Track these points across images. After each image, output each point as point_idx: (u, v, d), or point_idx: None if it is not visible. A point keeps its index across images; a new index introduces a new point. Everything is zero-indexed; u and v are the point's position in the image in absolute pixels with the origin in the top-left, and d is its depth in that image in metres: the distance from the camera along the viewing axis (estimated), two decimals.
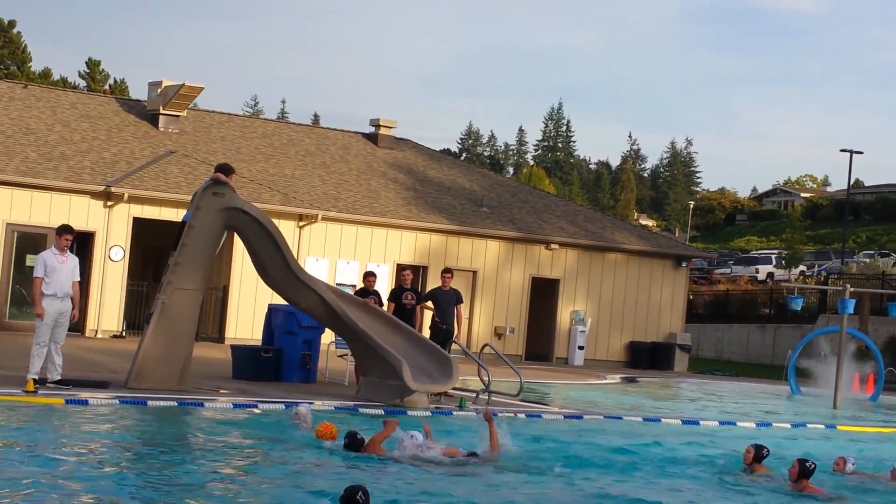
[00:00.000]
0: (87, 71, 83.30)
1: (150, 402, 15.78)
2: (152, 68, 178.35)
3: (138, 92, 74.31)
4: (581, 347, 37.67)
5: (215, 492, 10.23)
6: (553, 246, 37.74)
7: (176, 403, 16.14)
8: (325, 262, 33.47)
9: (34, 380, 16.28)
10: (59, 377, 16.90)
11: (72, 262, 17.02)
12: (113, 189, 30.84)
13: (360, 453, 12.37)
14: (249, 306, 31.56)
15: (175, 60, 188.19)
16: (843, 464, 14.22)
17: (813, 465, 12.50)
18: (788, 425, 20.94)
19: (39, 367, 16.70)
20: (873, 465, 15.37)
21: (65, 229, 17.17)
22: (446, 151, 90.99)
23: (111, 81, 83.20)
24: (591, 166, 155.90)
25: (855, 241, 77.19)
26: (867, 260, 60.79)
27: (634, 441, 16.03)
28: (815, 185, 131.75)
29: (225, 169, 18.92)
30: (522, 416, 18.54)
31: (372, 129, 41.80)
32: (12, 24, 78.49)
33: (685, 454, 15.24)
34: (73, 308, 17.00)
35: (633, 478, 12.85)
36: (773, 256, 68.58)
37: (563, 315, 37.94)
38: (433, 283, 31.16)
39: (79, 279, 17.20)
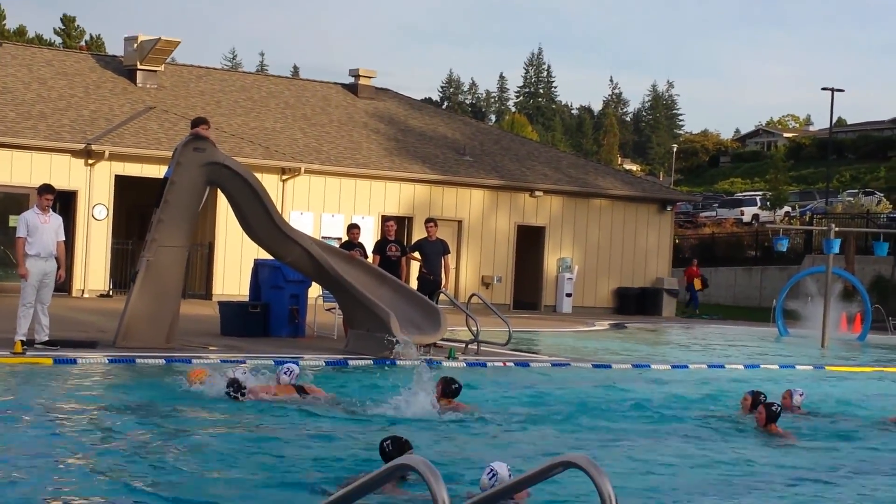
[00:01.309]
0: (63, 27, 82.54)
1: (138, 361, 15.70)
2: (128, 24, 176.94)
3: (115, 48, 73.72)
4: (569, 295, 37.66)
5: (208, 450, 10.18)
6: (538, 193, 37.63)
7: (164, 361, 16.06)
8: (309, 216, 33.33)
9: (21, 341, 16.18)
10: (46, 338, 16.80)
11: (55, 221, 16.87)
12: (93, 147, 30.59)
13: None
14: (235, 262, 31.42)
15: (151, 15, 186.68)
16: (789, 396, 14.25)
17: (778, 408, 12.50)
18: (777, 366, 20.97)
19: (26, 328, 16.59)
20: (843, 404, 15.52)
21: (45, 188, 17.02)
22: (427, 100, 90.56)
23: (87, 38, 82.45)
24: (573, 112, 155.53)
25: (839, 180, 77.26)
26: (851, 199, 60.86)
27: (612, 388, 16.05)
28: (797, 125, 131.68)
29: (199, 121, 18.72)
30: (511, 364, 18.52)
31: (352, 80, 41.51)
32: None
33: (672, 399, 15.23)
34: (59, 268, 16.87)
35: (608, 425, 12.81)
36: (757, 198, 68.60)
37: (550, 263, 37.92)
38: (418, 233, 31.05)
39: (64, 238, 17.07)
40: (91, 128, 31.74)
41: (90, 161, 30.86)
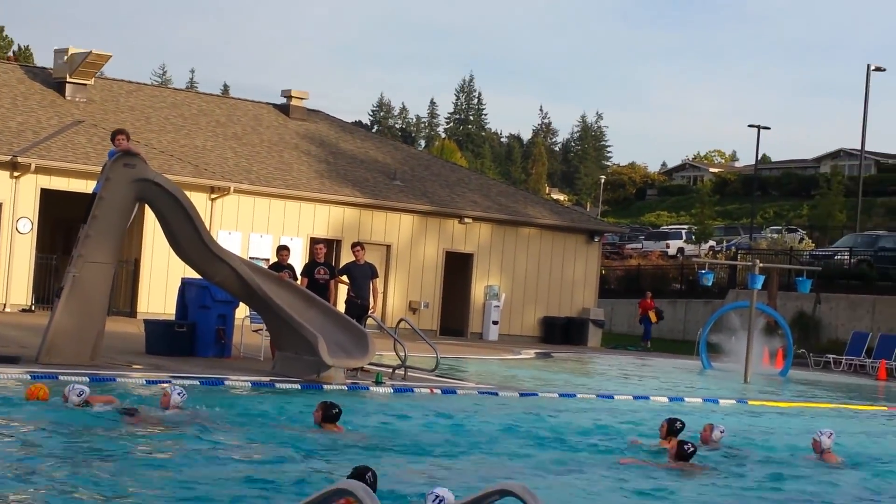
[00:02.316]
0: None
1: (61, 377, 15.47)
2: (57, 35, 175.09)
3: (43, 59, 72.91)
4: (495, 322, 37.76)
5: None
6: (466, 220, 37.73)
7: (88, 379, 15.83)
8: (237, 236, 33.13)
9: None
10: None
11: None
12: (20, 159, 30.20)
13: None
14: (161, 279, 31.13)
15: (81, 27, 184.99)
16: (710, 430, 14.26)
17: (692, 449, 12.46)
18: (700, 400, 21.16)
19: None
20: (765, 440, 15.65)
21: None
22: (358, 123, 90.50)
23: (15, 48, 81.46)
24: (502, 139, 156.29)
25: (763, 216, 78.27)
26: (775, 235, 61.68)
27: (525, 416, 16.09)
28: (723, 161, 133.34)
29: (118, 132, 18.60)
30: (438, 391, 18.51)
31: (283, 101, 41.39)
32: None
33: (590, 428, 15.30)
34: None
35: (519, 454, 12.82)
36: (683, 231, 69.31)
37: (478, 290, 38.00)
38: (347, 256, 30.96)
39: None
40: (18, 140, 31.33)
41: (16, 173, 30.44)
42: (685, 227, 72.56)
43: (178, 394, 13.36)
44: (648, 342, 41.78)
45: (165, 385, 14.44)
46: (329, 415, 12.72)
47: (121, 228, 18.66)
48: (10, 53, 76.37)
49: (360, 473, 8.20)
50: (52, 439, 11.29)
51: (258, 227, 33.94)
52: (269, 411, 14.51)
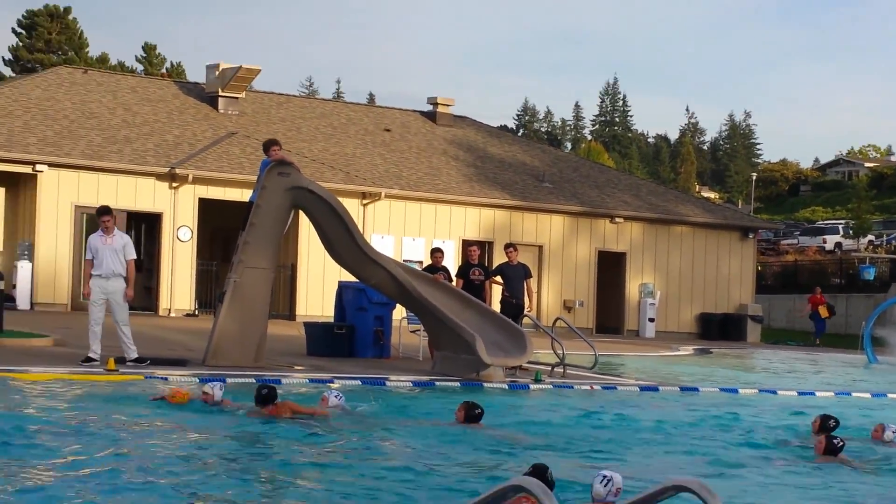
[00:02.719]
0: (144, 55, 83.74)
1: (228, 380, 15.74)
2: (207, 52, 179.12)
3: (194, 75, 74.66)
4: (651, 320, 37.41)
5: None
6: (617, 220, 37.47)
7: (254, 380, 16.08)
8: (390, 240, 33.40)
9: (115, 359, 16.37)
10: (135, 355, 16.96)
11: (119, 241, 17.06)
12: (177, 170, 30.95)
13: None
14: (318, 283, 31.59)
15: (229, 43, 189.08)
16: (881, 431, 13.77)
17: (841, 443, 12.01)
18: (868, 395, 20.56)
19: (97, 346, 16.87)
20: None
21: (101, 211, 17.35)
22: (503, 128, 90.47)
23: (167, 65, 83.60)
24: (649, 140, 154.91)
25: None
26: None
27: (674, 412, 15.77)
28: (878, 155, 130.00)
29: (271, 142, 18.94)
30: (598, 388, 18.35)
31: (430, 108, 41.65)
32: (67, 10, 79.04)
33: (753, 424, 14.93)
34: (128, 286, 16.97)
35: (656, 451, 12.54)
36: (839, 226, 67.76)
37: (632, 288, 37.70)
38: (499, 258, 30.99)
39: (133, 257, 17.19)
40: (175, 152, 32.10)
41: (174, 184, 31.20)
42: (841, 222, 70.89)
43: (336, 396, 13.48)
44: (818, 339, 40.60)
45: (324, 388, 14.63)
46: (472, 415, 12.68)
47: (278, 235, 18.96)
48: (164, 70, 78.42)
49: (538, 471, 8.09)
50: (209, 438, 11.45)
51: (410, 231, 34.19)
52: (431, 410, 14.52)
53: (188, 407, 12.96)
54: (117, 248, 16.96)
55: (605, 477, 7.47)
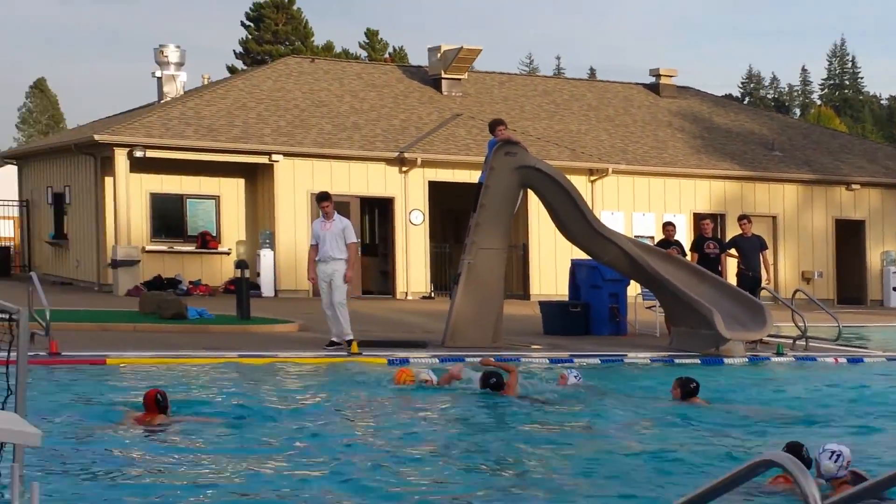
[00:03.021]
0: (367, 41, 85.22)
1: (467, 360, 15.99)
2: (426, 35, 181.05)
3: (416, 58, 75.61)
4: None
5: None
6: (854, 186, 36.32)
7: (493, 360, 16.28)
8: (620, 216, 33.20)
9: (357, 342, 16.84)
10: (335, 339, 17.29)
11: (338, 226, 17.46)
12: (406, 155, 31.45)
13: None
14: (551, 262, 31.66)
15: (449, 25, 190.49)
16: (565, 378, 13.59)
17: None
18: None
19: (334, 328, 17.24)
20: None
21: (321, 197, 17.84)
22: (728, 97, 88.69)
23: (390, 50, 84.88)
24: (882, 102, 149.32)
25: None
26: None
27: None
28: None
29: (496, 122, 19.07)
30: (843, 360, 17.89)
31: (652, 80, 41.12)
32: (292, 1, 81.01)
33: None
34: (348, 268, 17.29)
35: None
36: None
37: (873, 257, 36.48)
38: (731, 231, 30.48)
39: (354, 240, 17.58)
40: (402, 136, 32.63)
41: (404, 168, 31.73)
42: None
43: (575, 377, 13.58)
44: None
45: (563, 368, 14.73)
46: (688, 390, 12.56)
47: (508, 215, 19.11)
48: (387, 55, 79.70)
49: (794, 448, 7.98)
50: (430, 417, 11.64)
51: (640, 206, 33.94)
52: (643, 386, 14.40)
53: (424, 389, 13.19)
54: (336, 232, 17.40)
55: (833, 452, 7.32)
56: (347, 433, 10.53)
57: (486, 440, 10.39)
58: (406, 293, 31.40)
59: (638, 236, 30.29)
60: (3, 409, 7.61)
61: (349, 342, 17.15)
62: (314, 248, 17.61)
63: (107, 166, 30.16)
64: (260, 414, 11.29)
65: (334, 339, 17.25)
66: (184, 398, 12.11)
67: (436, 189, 32.11)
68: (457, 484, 8.54)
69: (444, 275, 30.98)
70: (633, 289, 21.80)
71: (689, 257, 20.89)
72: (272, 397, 12.60)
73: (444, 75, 36.17)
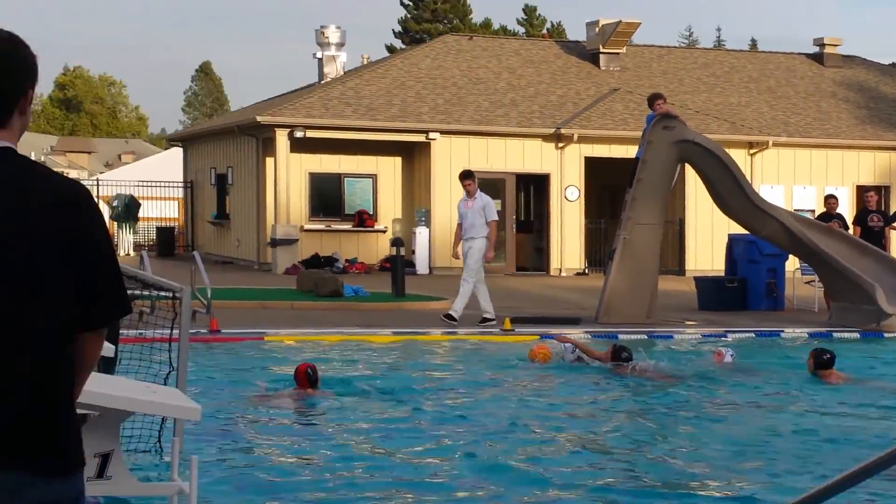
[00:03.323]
0: (525, 17, 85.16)
1: (620, 336, 15.92)
2: (585, 9, 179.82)
3: (573, 33, 75.22)
4: None
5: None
6: None
7: (645, 336, 16.21)
8: (779, 189, 32.57)
9: (447, 315, 17.10)
10: (456, 314, 17.29)
11: (479, 203, 17.49)
12: (562, 131, 31.37)
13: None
14: (707, 237, 31.27)
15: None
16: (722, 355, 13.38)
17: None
18: None
19: (488, 305, 17.32)
20: None
21: (463, 175, 17.96)
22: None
23: (548, 26, 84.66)
24: None
25: None
26: None
27: None
28: None
29: (655, 97, 18.91)
30: None
31: (816, 49, 40.13)
32: None
33: None
34: (488, 248, 17.34)
35: None
36: None
37: None
38: None
39: (494, 218, 17.63)
40: (559, 112, 32.55)
41: (560, 144, 31.66)
42: None
43: (731, 355, 13.50)
44: None
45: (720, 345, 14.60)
46: (821, 361, 12.33)
47: (665, 190, 18.95)
48: (545, 31, 79.50)
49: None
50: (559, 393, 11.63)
51: (800, 179, 33.23)
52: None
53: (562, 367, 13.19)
54: (477, 210, 17.46)
55: None
56: (492, 411, 10.60)
57: (624, 418, 10.37)
58: (560, 269, 31.36)
59: (798, 210, 29.64)
60: (165, 384, 7.90)
61: (450, 317, 17.18)
62: (460, 227, 17.74)
63: (268, 147, 30.83)
64: (408, 390, 11.44)
65: (486, 315, 17.33)
66: (336, 374, 12.35)
67: (592, 165, 31.97)
68: (604, 465, 8.54)
69: (598, 251, 30.86)
70: (792, 263, 21.40)
71: (851, 231, 20.43)
72: (422, 374, 12.76)
73: (602, 50, 35.94)
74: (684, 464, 8.40)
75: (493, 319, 17.25)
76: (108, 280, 3.24)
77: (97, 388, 5.93)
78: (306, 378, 10.82)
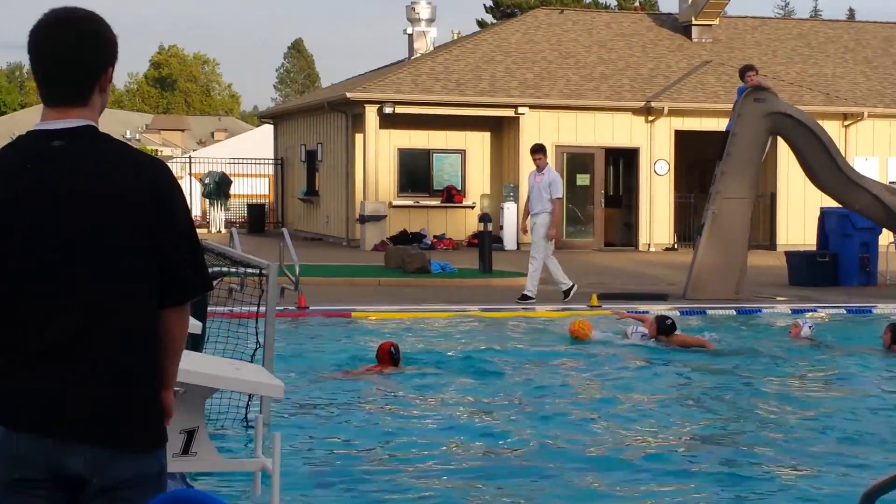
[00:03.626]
0: None
1: (709, 312, 15.80)
2: None
3: (667, 6, 74.46)
4: None
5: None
6: None
7: (735, 312, 16.07)
8: (874, 161, 31.97)
9: (524, 296, 17.01)
10: (529, 294, 17.15)
11: (546, 179, 17.34)
12: (653, 104, 31.11)
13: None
14: (799, 211, 30.83)
15: None
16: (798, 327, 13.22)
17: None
18: None
19: (563, 278, 17.22)
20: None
21: (533, 149, 17.86)
22: None
23: None
24: None
25: None
26: None
27: None
28: None
29: (746, 68, 18.66)
30: None
31: None
32: None
33: None
34: (550, 226, 17.17)
35: None
36: None
37: None
38: None
39: (558, 195, 17.43)
40: (650, 86, 32.28)
41: (650, 118, 31.41)
42: None
43: (809, 326, 13.42)
44: None
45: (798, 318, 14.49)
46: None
47: (756, 163, 18.72)
48: (637, 3, 78.68)
49: None
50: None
51: None
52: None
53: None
54: (543, 185, 17.35)
55: None
56: (569, 387, 10.60)
57: (702, 396, 10.31)
58: (649, 245, 31.15)
59: (893, 182, 29.15)
60: (251, 361, 8.02)
61: (525, 297, 17.06)
62: (529, 201, 17.72)
63: (358, 123, 30.97)
64: (492, 367, 11.48)
65: (563, 288, 17.18)
66: (420, 350, 12.43)
67: (682, 138, 31.69)
68: (693, 449, 8.50)
69: (688, 226, 30.57)
70: (885, 237, 21.03)
71: None
72: (508, 350, 12.77)
73: (694, 22, 35.56)
74: (756, 445, 8.31)
75: (572, 287, 17.13)
76: (190, 255, 3.29)
77: (182, 365, 6.05)
78: (389, 356, 10.90)
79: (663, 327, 12.70)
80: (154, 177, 3.25)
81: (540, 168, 17.56)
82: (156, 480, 3.28)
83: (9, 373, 3.17)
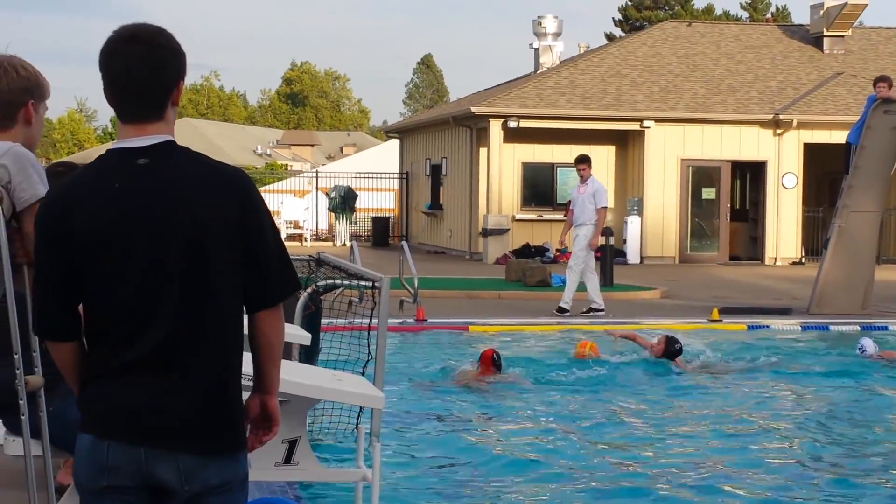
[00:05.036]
0: (748, 2, 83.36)
1: (832, 328, 15.48)
2: None
3: (798, 17, 73.31)
4: None
5: None
6: None
7: (859, 328, 15.72)
8: None
9: (718, 309, 16.69)
10: (565, 306, 16.87)
11: (589, 189, 17.09)
12: (781, 117, 30.63)
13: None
14: None
15: None
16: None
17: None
18: None
19: (597, 297, 16.91)
20: None
21: (578, 160, 17.67)
22: None
23: (772, 10, 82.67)
24: None
25: None
26: None
27: None
28: None
29: (880, 79, 18.23)
30: None
31: None
32: None
33: None
34: (593, 236, 16.87)
35: None
36: None
37: None
38: None
39: (602, 205, 17.17)
40: (779, 98, 31.79)
41: (778, 131, 30.93)
42: None
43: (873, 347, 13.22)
44: None
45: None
46: None
47: (885, 176, 18.30)
48: (768, 16, 77.65)
49: None
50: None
51: None
52: None
53: None
54: (587, 196, 17.14)
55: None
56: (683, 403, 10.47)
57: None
58: (775, 259, 30.64)
59: None
60: (363, 374, 8.09)
61: (562, 310, 16.78)
62: (571, 212, 17.54)
63: (482, 138, 31.05)
64: (601, 380, 11.42)
65: (593, 305, 16.85)
66: (530, 361, 12.46)
67: (811, 151, 31.12)
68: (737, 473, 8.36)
69: (816, 240, 30.00)
70: None
71: None
72: (620, 363, 12.65)
73: (826, 33, 34.97)
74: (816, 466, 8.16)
75: (602, 310, 16.87)
76: (276, 258, 3.32)
77: (284, 376, 6.12)
78: (491, 363, 11.01)
79: (671, 350, 12.40)
80: (243, 187, 3.29)
81: (584, 179, 17.41)
82: (241, 485, 3.32)
83: (100, 382, 3.23)
